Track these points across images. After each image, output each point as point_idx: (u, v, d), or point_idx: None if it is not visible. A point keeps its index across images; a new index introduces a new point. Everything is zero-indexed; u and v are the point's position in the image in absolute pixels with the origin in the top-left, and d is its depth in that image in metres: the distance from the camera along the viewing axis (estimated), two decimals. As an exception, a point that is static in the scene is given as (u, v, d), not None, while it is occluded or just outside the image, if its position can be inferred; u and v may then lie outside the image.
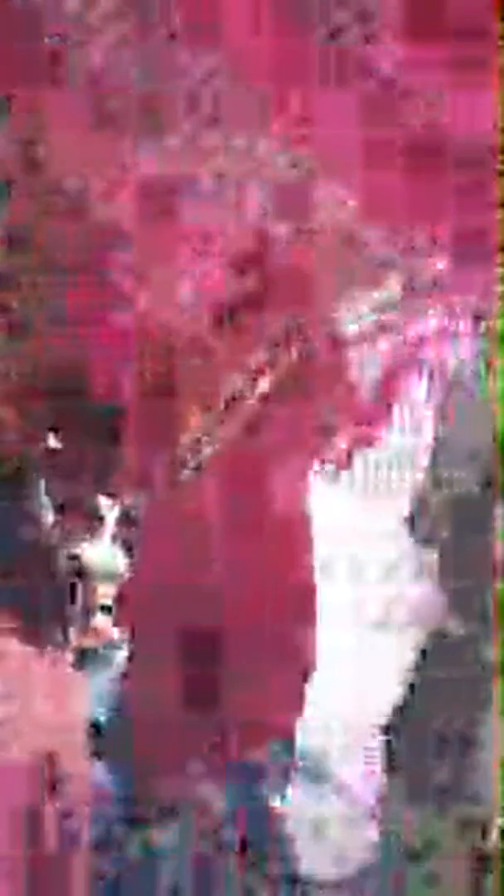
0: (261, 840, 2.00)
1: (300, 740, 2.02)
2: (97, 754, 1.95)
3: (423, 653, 2.04)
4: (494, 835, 1.96)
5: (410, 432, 1.96)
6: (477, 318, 1.92)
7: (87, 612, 2.04)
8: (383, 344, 1.90)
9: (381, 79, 1.74)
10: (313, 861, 2.01)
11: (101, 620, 2.07)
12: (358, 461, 1.94)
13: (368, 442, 1.94)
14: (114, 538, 2.06)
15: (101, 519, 2.01)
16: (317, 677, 2.01)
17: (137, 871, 1.98)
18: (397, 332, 1.89)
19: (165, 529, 2.01)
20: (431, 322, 1.90)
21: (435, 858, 1.98)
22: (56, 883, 1.82)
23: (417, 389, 1.94)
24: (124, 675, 2.04)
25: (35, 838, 1.79)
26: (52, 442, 1.89)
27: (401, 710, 2.03)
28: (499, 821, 1.96)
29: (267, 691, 1.98)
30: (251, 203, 1.78)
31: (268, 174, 1.77)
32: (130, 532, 2.07)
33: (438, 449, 2.01)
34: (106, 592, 2.06)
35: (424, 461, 2.02)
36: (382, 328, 1.88)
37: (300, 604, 2.00)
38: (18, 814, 1.78)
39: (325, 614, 2.01)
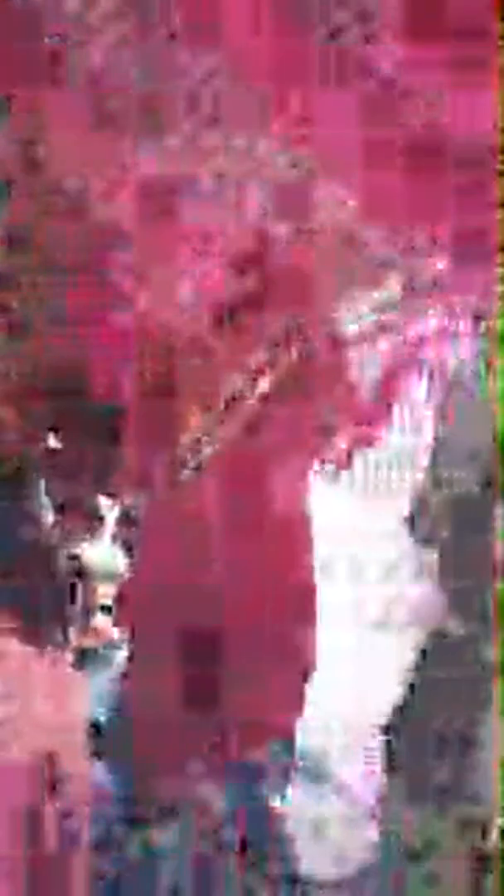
0: (261, 840, 2.00)
1: (300, 740, 2.02)
2: (97, 754, 1.95)
3: (423, 653, 2.04)
4: (494, 835, 1.96)
5: (410, 432, 1.96)
6: (477, 318, 1.92)
7: (87, 612, 2.04)
8: (383, 344, 1.90)
9: (381, 79, 1.74)
10: (313, 861, 2.01)
11: (101, 620, 2.07)
12: (358, 461, 1.94)
13: (368, 442, 1.94)
14: (114, 538, 2.06)
15: (101, 519, 2.01)
16: (317, 677, 2.01)
17: (137, 871, 1.98)
18: (397, 332, 1.89)
19: (165, 529, 2.01)
20: (431, 322, 1.90)
21: (435, 858, 1.98)
22: (56, 883, 1.82)
23: (417, 389, 1.94)
24: (124, 675, 2.04)
25: (35, 838, 1.79)
26: (52, 442, 1.89)
27: (401, 710, 2.03)
28: (499, 821, 1.96)
29: (267, 691, 1.98)
30: (251, 203, 1.78)
31: (268, 174, 1.77)
32: (130, 532, 2.07)
33: (438, 449, 2.01)
34: (106, 592, 2.06)
35: (424, 461, 2.02)
36: (382, 328, 1.88)
37: (300, 604, 2.00)
38: (18, 814, 1.78)
39: (325, 614, 2.01)
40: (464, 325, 1.91)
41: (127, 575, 2.07)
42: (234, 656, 1.94)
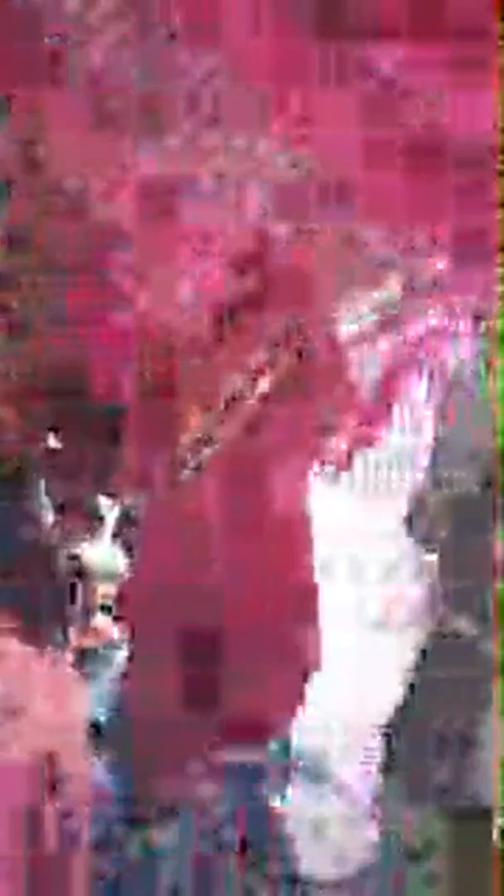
0: (261, 840, 2.00)
1: (300, 740, 2.02)
2: (97, 754, 1.95)
3: (423, 653, 2.04)
4: (494, 835, 1.96)
5: (410, 432, 1.96)
6: (477, 318, 1.92)
7: (87, 612, 2.04)
8: (383, 344, 1.89)
9: (381, 79, 1.74)
10: (313, 861, 2.01)
11: (101, 620, 2.07)
12: (358, 461, 1.94)
13: (368, 442, 1.94)
14: (114, 538, 2.06)
15: (101, 519, 2.01)
16: (317, 677, 2.01)
17: (137, 871, 1.98)
18: (397, 332, 1.89)
19: (165, 529, 2.01)
20: (431, 322, 1.90)
21: (435, 858, 1.98)
22: (56, 883, 1.82)
23: (417, 389, 1.94)
24: (124, 675, 2.04)
25: (35, 838, 1.79)
26: (52, 442, 1.89)
27: (401, 710, 2.03)
28: (499, 821, 1.96)
29: (267, 691, 1.98)
30: (251, 203, 1.78)
31: (268, 174, 1.77)
32: (130, 532, 2.07)
33: (438, 449, 2.01)
34: (106, 592, 2.06)
35: (424, 461, 2.02)
36: (382, 328, 1.88)
37: (301, 604, 2.00)
38: (18, 814, 1.78)
39: (325, 614, 2.01)
40: (464, 325, 1.91)
41: (127, 575, 2.07)
42: (234, 656, 1.94)
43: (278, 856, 2.00)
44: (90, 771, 1.91)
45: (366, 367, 1.91)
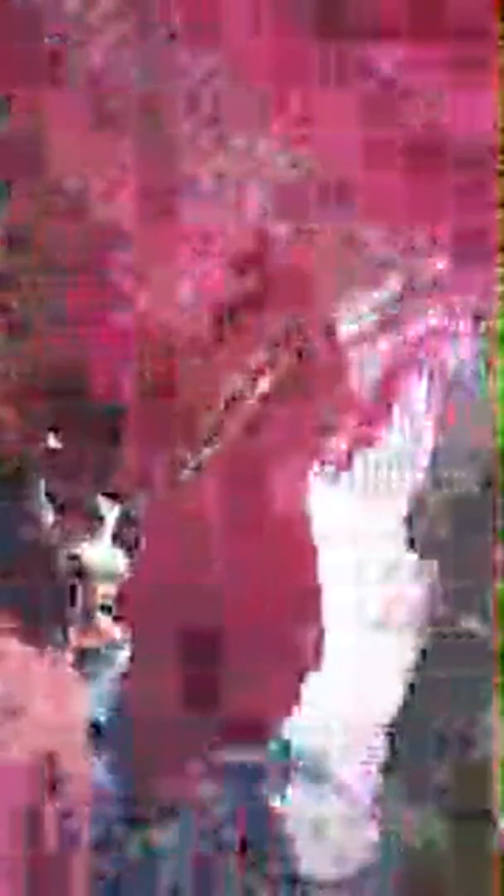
0: (261, 840, 2.00)
1: (300, 740, 2.02)
2: (97, 754, 1.95)
3: (424, 653, 2.03)
4: (495, 835, 1.96)
5: (410, 433, 1.96)
6: (477, 318, 1.92)
7: (88, 612, 2.04)
8: (383, 344, 1.90)
9: (381, 79, 1.74)
10: (313, 861, 2.01)
11: (104, 620, 2.07)
12: (358, 461, 1.94)
13: (368, 442, 1.94)
14: (114, 538, 2.06)
15: (100, 519, 2.01)
16: (317, 677, 2.01)
17: (137, 871, 1.98)
18: (397, 332, 1.89)
19: (165, 529, 2.01)
20: (431, 322, 1.90)
21: (435, 858, 1.98)
22: (56, 883, 1.82)
23: (417, 389, 1.94)
24: (124, 675, 2.04)
25: (35, 838, 1.79)
26: (53, 442, 1.89)
27: (401, 710, 2.03)
28: (499, 821, 1.96)
29: (267, 691, 1.98)
30: (251, 203, 1.78)
31: (268, 174, 1.77)
32: (130, 532, 2.07)
33: (439, 449, 2.01)
34: (106, 593, 2.06)
35: (424, 461, 2.02)
36: (382, 328, 1.88)
37: (303, 604, 2.00)
38: (18, 814, 1.78)
39: (325, 614, 2.01)
40: (464, 325, 1.91)
41: (127, 575, 2.07)
42: (234, 656, 1.93)
43: (278, 856, 2.00)
44: (90, 771, 1.91)
45: (366, 367, 1.91)
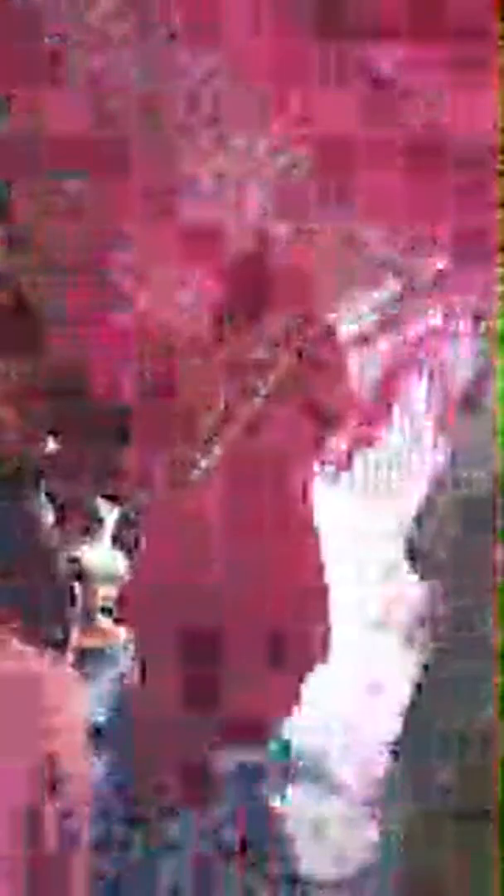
0: (261, 840, 2.00)
1: (300, 740, 2.02)
2: (97, 754, 1.95)
3: (429, 653, 2.03)
4: (495, 834, 1.96)
5: (410, 433, 1.96)
6: (477, 318, 1.92)
7: (88, 613, 2.04)
8: (383, 344, 1.90)
9: (381, 79, 1.74)
10: (313, 861, 2.02)
11: (104, 622, 2.08)
12: (358, 461, 1.94)
13: (368, 442, 1.94)
14: (113, 540, 2.06)
15: (100, 521, 2.01)
16: (317, 677, 2.01)
17: (137, 871, 1.98)
18: (397, 332, 1.89)
19: (165, 529, 2.01)
20: (431, 322, 1.90)
21: (435, 858, 1.98)
22: (56, 883, 1.81)
23: (417, 389, 1.94)
24: (124, 675, 2.04)
25: (35, 838, 1.79)
26: (52, 444, 1.89)
27: (402, 710, 2.03)
28: (499, 821, 1.96)
29: (267, 691, 1.98)
30: (251, 203, 1.78)
31: (268, 174, 1.77)
32: (130, 534, 2.07)
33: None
34: (106, 594, 2.06)
35: (427, 462, 2.02)
36: (382, 328, 1.88)
37: (307, 602, 2.00)
38: (18, 814, 1.78)
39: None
40: (464, 325, 1.91)
41: (127, 576, 2.07)
42: (234, 656, 1.94)
43: (278, 856, 2.00)
44: (90, 771, 1.91)
45: (366, 367, 1.91)
